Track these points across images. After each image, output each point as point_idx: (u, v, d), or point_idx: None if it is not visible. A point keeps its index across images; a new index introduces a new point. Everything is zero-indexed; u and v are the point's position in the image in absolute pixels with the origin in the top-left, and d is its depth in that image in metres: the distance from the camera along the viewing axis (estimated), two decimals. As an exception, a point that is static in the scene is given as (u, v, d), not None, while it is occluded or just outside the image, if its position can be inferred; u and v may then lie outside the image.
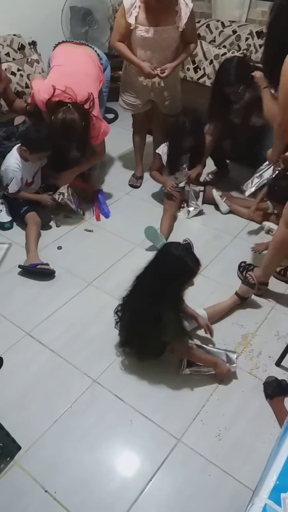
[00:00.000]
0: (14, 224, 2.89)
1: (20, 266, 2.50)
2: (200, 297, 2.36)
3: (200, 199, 3.02)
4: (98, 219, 2.99)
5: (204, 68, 3.95)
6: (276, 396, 1.90)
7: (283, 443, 1.15)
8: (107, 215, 3.02)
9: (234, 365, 1.97)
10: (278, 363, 2.05)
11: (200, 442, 1.75)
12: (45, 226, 2.86)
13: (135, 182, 3.35)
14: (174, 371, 2.00)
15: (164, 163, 3.00)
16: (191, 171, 3.00)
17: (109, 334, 2.08)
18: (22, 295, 2.40)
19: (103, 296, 2.38)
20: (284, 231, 2.10)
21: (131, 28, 2.66)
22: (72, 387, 1.94)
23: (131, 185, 3.34)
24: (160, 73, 2.77)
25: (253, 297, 2.36)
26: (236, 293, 2.29)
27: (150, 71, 2.74)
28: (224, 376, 1.95)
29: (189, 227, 2.95)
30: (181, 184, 3.01)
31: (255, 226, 2.91)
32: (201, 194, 3.02)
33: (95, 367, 2.02)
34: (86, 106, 2.60)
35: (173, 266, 1.76)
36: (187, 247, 1.88)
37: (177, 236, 2.79)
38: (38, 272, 2.48)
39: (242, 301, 2.30)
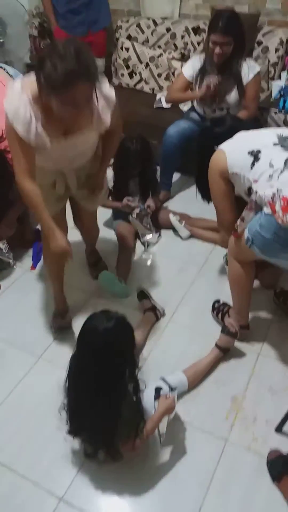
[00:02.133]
0: None
1: None
2: (174, 351, 2.02)
3: (148, 221, 2.64)
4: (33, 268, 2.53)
5: (140, 73, 3.55)
6: (285, 475, 1.58)
7: None
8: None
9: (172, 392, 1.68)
10: (279, 429, 1.73)
11: None
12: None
13: None
14: (157, 465, 1.63)
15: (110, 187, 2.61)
16: (150, 201, 2.64)
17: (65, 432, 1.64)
18: None
19: (55, 374, 1.76)
20: (235, 265, 1.91)
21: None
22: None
23: None
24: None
25: (235, 342, 2.03)
26: (217, 345, 1.95)
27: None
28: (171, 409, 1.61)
29: (147, 264, 2.57)
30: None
31: (221, 250, 2.58)
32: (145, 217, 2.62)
33: (59, 480, 1.60)
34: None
35: (106, 346, 1.37)
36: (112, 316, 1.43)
37: (135, 277, 2.42)
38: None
39: (224, 353, 1.96)
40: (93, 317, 1.43)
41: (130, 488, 1.58)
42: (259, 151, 1.64)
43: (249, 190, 1.69)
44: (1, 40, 3.37)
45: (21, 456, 1.67)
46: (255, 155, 1.64)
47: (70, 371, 1.48)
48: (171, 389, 1.75)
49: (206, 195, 2.15)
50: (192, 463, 1.65)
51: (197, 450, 1.69)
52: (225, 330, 1.95)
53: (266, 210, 1.57)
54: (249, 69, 2.55)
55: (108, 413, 1.43)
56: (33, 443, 1.71)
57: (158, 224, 2.72)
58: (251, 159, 1.64)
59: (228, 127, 1.92)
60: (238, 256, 1.87)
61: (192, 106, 2.88)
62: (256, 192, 1.63)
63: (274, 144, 1.64)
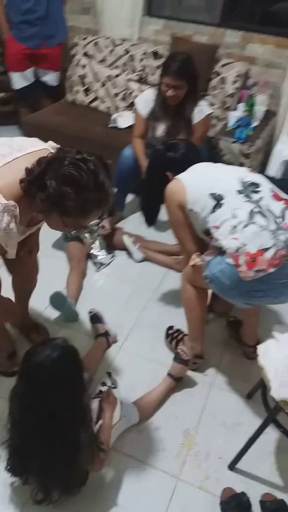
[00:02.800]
0: None
1: None
2: (125, 380, 1.90)
3: (102, 241, 2.58)
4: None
5: (96, 91, 3.50)
6: (239, 518, 1.50)
7: None
8: None
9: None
10: (231, 467, 1.66)
11: None
12: None
13: None
14: (108, 500, 1.49)
15: None
16: (106, 222, 2.57)
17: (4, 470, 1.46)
18: None
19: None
20: (189, 289, 1.88)
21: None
22: None
23: None
24: None
25: (189, 372, 1.95)
26: (169, 374, 1.87)
27: None
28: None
29: (100, 285, 2.47)
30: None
31: (175, 274, 2.53)
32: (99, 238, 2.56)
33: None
34: None
35: (53, 374, 1.26)
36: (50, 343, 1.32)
37: (87, 299, 2.30)
38: None
39: (177, 382, 1.88)
40: (34, 351, 1.29)
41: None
42: (221, 197, 1.61)
43: (207, 231, 1.66)
44: None
45: None
46: (217, 200, 1.61)
47: (13, 408, 1.33)
48: (112, 385, 1.73)
49: (149, 218, 2.11)
50: (144, 502, 1.54)
51: (149, 488, 1.58)
52: (177, 358, 1.87)
53: (229, 261, 1.54)
54: (199, 112, 2.56)
55: (67, 449, 1.30)
56: None
57: (112, 245, 2.63)
58: (213, 202, 1.61)
59: (182, 154, 1.88)
60: (193, 282, 1.83)
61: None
62: (216, 239, 1.60)
63: (238, 192, 1.61)
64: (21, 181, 1.31)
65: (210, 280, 1.63)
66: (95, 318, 2.13)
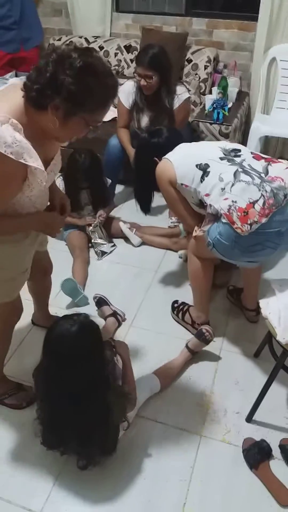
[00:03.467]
0: None
1: None
2: (139, 354, 2.00)
3: (103, 231, 2.68)
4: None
5: (76, 89, 3.59)
6: (261, 462, 1.61)
7: None
8: None
9: None
10: (248, 419, 1.77)
11: None
12: None
13: None
14: (135, 468, 1.59)
15: None
16: (101, 210, 2.68)
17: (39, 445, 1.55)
18: None
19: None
20: (195, 261, 1.97)
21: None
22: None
23: None
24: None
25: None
26: (188, 348, 1.96)
27: None
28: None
29: (104, 271, 2.56)
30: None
31: (173, 254, 2.64)
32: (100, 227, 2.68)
33: (35, 495, 1.51)
34: None
35: (72, 347, 1.34)
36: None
37: (93, 286, 2.39)
38: None
39: (193, 355, 1.98)
40: (56, 325, 1.38)
41: (110, 494, 1.53)
42: (207, 165, 1.72)
43: (201, 203, 1.77)
44: None
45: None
46: (204, 169, 1.72)
47: (39, 383, 1.42)
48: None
49: (144, 206, 2.22)
50: (170, 461, 1.63)
51: (174, 447, 1.68)
52: (201, 336, 1.95)
53: (224, 220, 1.65)
54: (177, 98, 2.67)
55: (97, 412, 1.39)
56: (5, 463, 1.61)
57: (110, 234, 2.73)
58: (200, 172, 1.72)
59: (165, 138, 1.99)
60: (198, 254, 1.93)
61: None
62: (210, 205, 1.70)
63: (221, 158, 1.73)
64: (26, 96, 1.17)
65: (212, 245, 1.74)
66: (101, 301, 2.22)
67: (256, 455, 1.63)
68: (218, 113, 2.98)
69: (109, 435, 1.49)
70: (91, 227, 2.63)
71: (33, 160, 1.19)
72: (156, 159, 1.91)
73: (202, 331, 1.96)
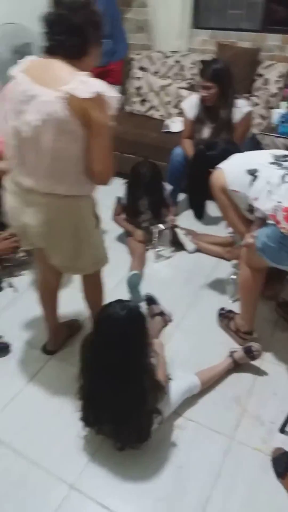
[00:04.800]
0: None
1: None
2: (181, 356, 2.08)
3: (164, 234, 2.82)
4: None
5: (150, 100, 3.77)
6: (288, 472, 1.63)
7: None
8: None
9: None
10: (282, 430, 1.78)
11: None
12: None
13: None
14: (166, 459, 1.68)
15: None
16: (171, 217, 2.85)
17: (79, 422, 1.70)
18: (-27, 380, 2.00)
19: (68, 371, 1.97)
20: (246, 270, 2.00)
21: None
22: (46, 499, 1.57)
23: None
24: None
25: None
26: (233, 359, 2.00)
27: None
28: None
29: (156, 273, 2.68)
30: (145, 224, 2.82)
31: (226, 263, 2.69)
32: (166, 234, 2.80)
33: (70, 468, 1.65)
34: None
35: (117, 329, 1.47)
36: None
37: (145, 285, 2.50)
38: (-11, 348, 2.09)
39: (236, 366, 2.02)
40: (108, 306, 1.52)
41: (138, 478, 1.63)
42: (256, 170, 1.77)
43: (251, 208, 1.82)
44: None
45: (34, 443, 1.74)
46: (253, 174, 1.77)
47: (83, 355, 1.56)
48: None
49: (197, 212, 2.31)
50: (199, 458, 1.70)
51: (204, 446, 1.74)
52: (250, 353, 1.98)
53: (270, 221, 1.70)
54: (239, 111, 2.75)
55: (134, 396, 1.50)
56: (47, 432, 1.78)
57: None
58: (250, 177, 1.77)
59: (221, 150, 2.06)
60: (249, 263, 1.97)
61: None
62: (258, 209, 1.76)
63: (270, 163, 1.77)
64: (66, 55, 1.41)
65: (261, 250, 1.77)
66: (150, 300, 2.34)
67: (285, 465, 1.64)
68: (285, 127, 3.00)
69: (143, 421, 1.59)
70: (157, 229, 2.76)
71: None
72: (211, 170, 1.99)
73: (251, 348, 1.98)
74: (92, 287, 1.93)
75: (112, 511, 1.53)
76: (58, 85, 1.35)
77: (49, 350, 2.11)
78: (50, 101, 1.34)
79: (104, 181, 1.51)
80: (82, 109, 1.35)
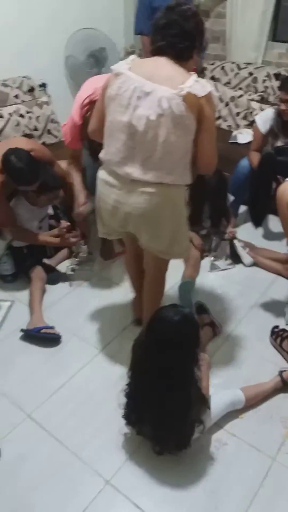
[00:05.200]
0: (18, 276, 2.63)
1: (22, 330, 2.21)
2: (230, 369, 2.06)
3: (223, 247, 2.79)
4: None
5: (219, 111, 3.77)
6: None
7: None
8: None
9: None
10: None
11: None
12: (52, 280, 2.59)
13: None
14: (204, 470, 1.66)
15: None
16: (231, 228, 2.81)
17: (121, 418, 1.73)
18: (24, 366, 2.09)
19: (115, 367, 2.06)
20: None
21: None
22: (81, 490, 1.60)
23: None
24: None
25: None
26: (282, 377, 1.95)
27: None
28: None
29: (209, 282, 2.66)
30: (203, 232, 2.80)
31: (284, 281, 2.62)
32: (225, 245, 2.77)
33: (107, 463, 1.68)
34: None
35: (169, 333, 1.48)
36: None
37: (196, 294, 2.50)
38: (42, 337, 2.18)
39: (284, 386, 1.96)
40: (163, 309, 1.54)
41: (174, 485, 1.62)
42: None
43: None
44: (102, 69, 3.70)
45: (75, 435, 1.78)
46: None
47: (134, 355, 1.59)
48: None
49: (256, 220, 2.24)
50: (237, 474, 1.66)
51: (244, 463, 1.70)
52: None
53: None
54: None
55: (179, 405, 1.51)
56: (89, 425, 1.82)
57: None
58: None
59: None
60: None
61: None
62: None
63: None
64: (177, 56, 1.56)
65: None
66: (201, 309, 2.32)
67: None
68: None
69: (185, 430, 1.58)
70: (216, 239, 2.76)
71: None
72: (279, 177, 1.94)
73: None
74: (155, 285, 2.02)
75: (145, 513, 1.54)
76: (173, 83, 1.49)
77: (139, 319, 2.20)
78: (168, 97, 1.47)
79: (211, 171, 1.71)
80: (197, 106, 1.50)
